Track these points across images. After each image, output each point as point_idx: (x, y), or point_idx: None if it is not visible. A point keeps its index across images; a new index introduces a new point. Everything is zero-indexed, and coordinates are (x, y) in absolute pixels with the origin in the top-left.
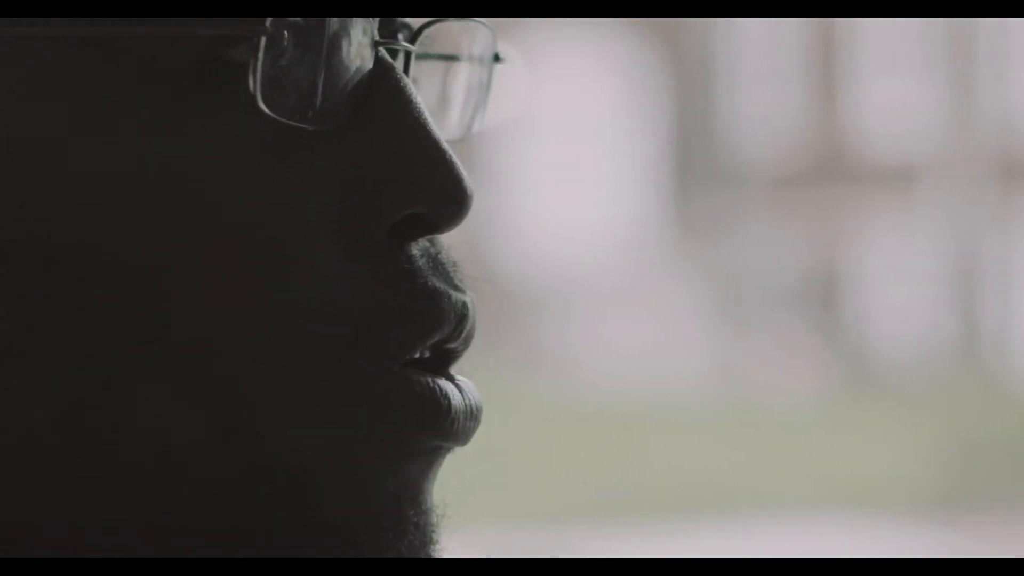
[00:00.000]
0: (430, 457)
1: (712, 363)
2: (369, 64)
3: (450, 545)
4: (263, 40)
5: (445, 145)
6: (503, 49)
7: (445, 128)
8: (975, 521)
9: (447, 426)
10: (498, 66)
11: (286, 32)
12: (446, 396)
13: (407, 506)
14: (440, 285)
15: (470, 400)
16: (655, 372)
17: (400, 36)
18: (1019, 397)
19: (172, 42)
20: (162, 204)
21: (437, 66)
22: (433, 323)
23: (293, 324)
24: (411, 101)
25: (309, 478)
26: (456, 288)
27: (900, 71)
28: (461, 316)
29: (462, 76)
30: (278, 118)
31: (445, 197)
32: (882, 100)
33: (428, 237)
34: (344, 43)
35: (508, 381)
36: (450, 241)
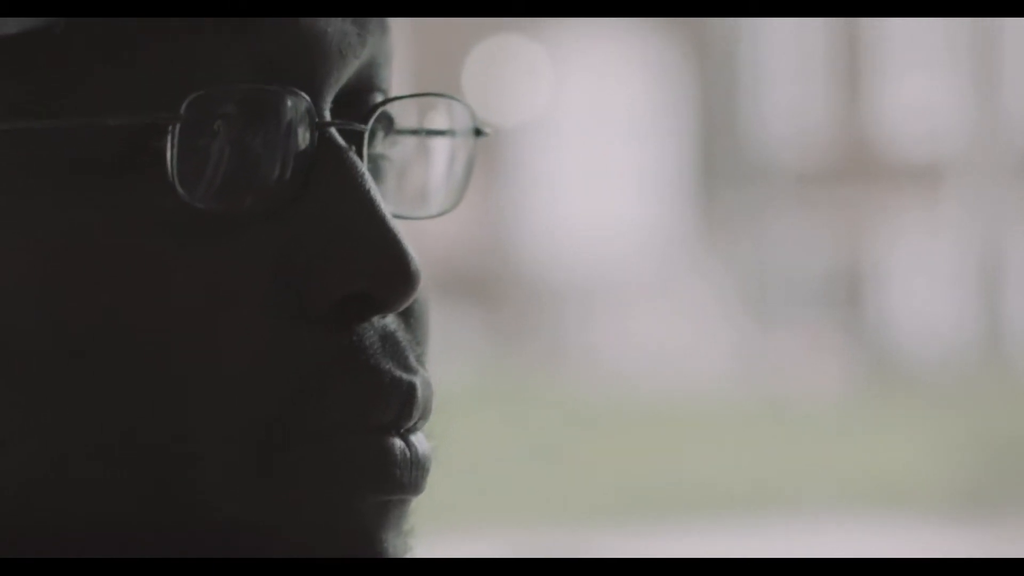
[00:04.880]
0: (381, 511)
1: (737, 360)
2: (315, 144)
3: (474, 543)
4: (177, 128)
5: (392, 224)
6: (483, 122)
7: (428, 204)
8: (999, 520)
9: (391, 481)
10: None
11: (211, 117)
12: (387, 451)
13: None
14: (385, 364)
15: (416, 450)
16: (680, 369)
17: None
18: None
19: (87, 134)
20: (87, 290)
21: (417, 142)
22: (370, 401)
23: (220, 398)
24: (356, 180)
25: (247, 540)
26: (407, 369)
27: (925, 68)
28: (406, 398)
29: (443, 151)
30: (198, 205)
31: (388, 278)
32: (907, 97)
33: (398, 312)
34: (283, 126)
35: (534, 378)
36: (477, 240)
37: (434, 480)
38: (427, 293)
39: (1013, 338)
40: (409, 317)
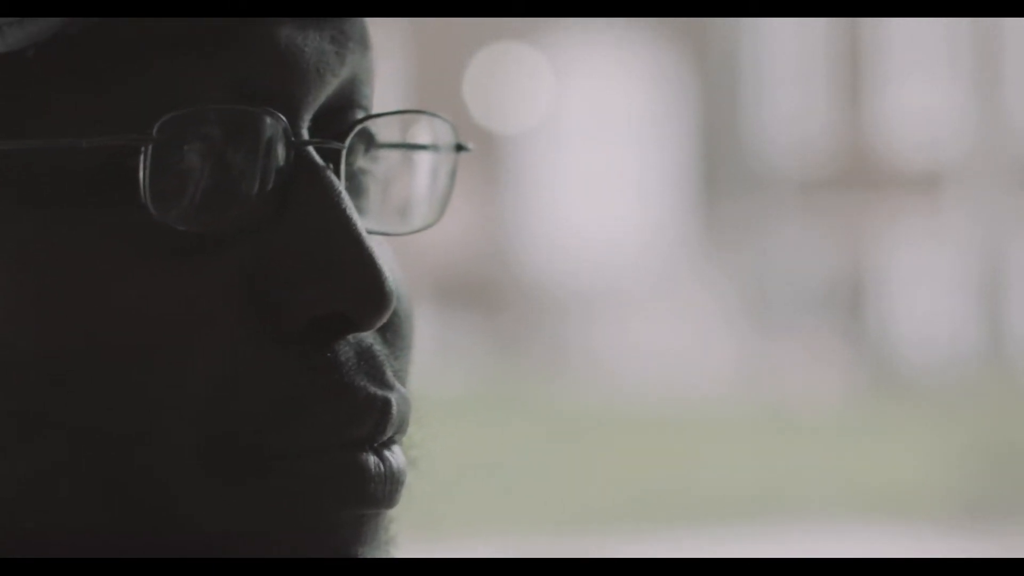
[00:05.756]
0: (356, 524)
1: (739, 367)
2: (292, 163)
3: (474, 549)
4: (149, 148)
5: (367, 244)
6: (464, 139)
7: (411, 219)
8: (1002, 528)
9: (365, 495)
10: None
11: (185, 138)
12: (360, 467)
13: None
14: (360, 381)
15: (390, 464)
16: (682, 376)
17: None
18: None
19: (63, 155)
20: (65, 307)
21: (400, 157)
22: (345, 419)
23: (195, 413)
24: (332, 199)
25: (218, 552)
26: (383, 385)
27: (926, 75)
28: (381, 414)
29: (426, 166)
30: (172, 225)
31: (361, 298)
32: (909, 104)
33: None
34: (258, 146)
35: (535, 384)
36: (478, 246)
37: (436, 486)
38: (411, 306)
39: (1015, 345)
40: (387, 331)
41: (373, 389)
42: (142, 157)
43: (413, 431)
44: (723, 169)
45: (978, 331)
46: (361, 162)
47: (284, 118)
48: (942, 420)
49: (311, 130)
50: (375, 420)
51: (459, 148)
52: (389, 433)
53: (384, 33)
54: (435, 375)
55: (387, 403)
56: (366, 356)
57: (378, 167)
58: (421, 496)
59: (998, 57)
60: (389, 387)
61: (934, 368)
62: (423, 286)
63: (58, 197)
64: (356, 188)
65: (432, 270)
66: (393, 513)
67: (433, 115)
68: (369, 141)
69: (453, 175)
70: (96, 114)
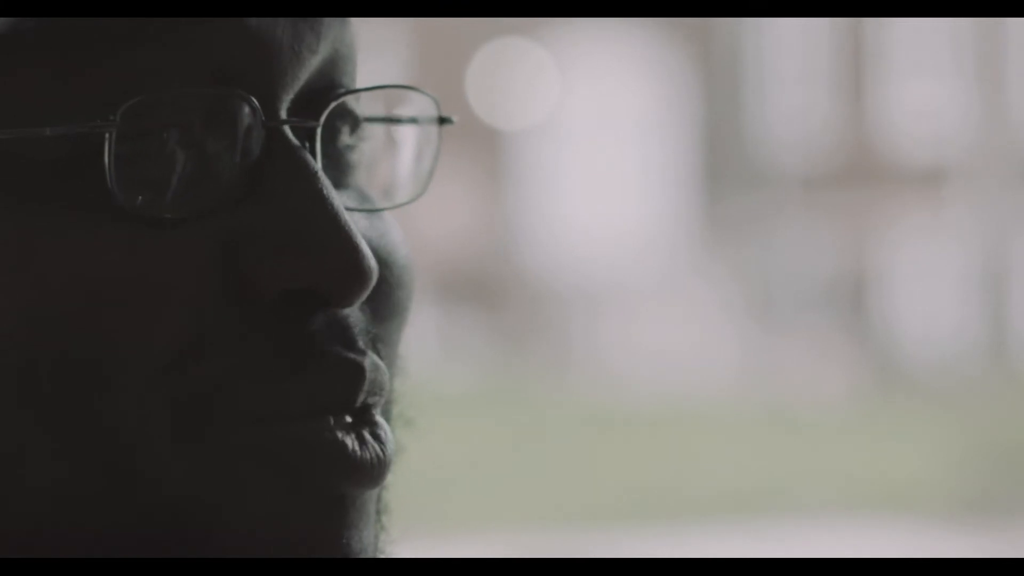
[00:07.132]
0: (337, 504)
1: (742, 364)
2: (264, 144)
3: (476, 545)
4: (113, 135)
5: (344, 220)
6: (447, 112)
7: (396, 194)
8: (1004, 525)
9: (340, 474)
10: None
11: (153, 124)
12: (339, 442)
13: (314, 554)
14: (330, 347)
15: (373, 448)
16: (685, 373)
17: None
18: None
19: (30, 144)
20: (32, 290)
21: (386, 135)
22: (316, 384)
23: (158, 378)
24: (306, 177)
25: (194, 519)
26: (356, 351)
27: (929, 73)
28: (352, 378)
29: (410, 142)
30: (141, 212)
31: (336, 275)
32: (911, 101)
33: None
34: (228, 128)
35: (538, 382)
36: (481, 243)
37: (439, 482)
38: (405, 273)
39: (1018, 342)
40: (374, 297)
41: (345, 354)
42: (106, 144)
43: (399, 384)
44: (726, 166)
45: (981, 328)
46: (347, 140)
47: (254, 99)
48: (945, 417)
49: (291, 110)
50: (346, 384)
51: (442, 121)
52: (362, 398)
53: (386, 29)
54: (438, 371)
55: (358, 367)
56: (339, 325)
57: (365, 145)
58: (420, 492)
59: (1001, 54)
60: (361, 353)
61: (937, 365)
62: (426, 282)
63: (28, 186)
64: (340, 166)
65: (435, 266)
66: (387, 501)
67: (414, 89)
68: (353, 119)
69: (437, 149)
70: (63, 103)
